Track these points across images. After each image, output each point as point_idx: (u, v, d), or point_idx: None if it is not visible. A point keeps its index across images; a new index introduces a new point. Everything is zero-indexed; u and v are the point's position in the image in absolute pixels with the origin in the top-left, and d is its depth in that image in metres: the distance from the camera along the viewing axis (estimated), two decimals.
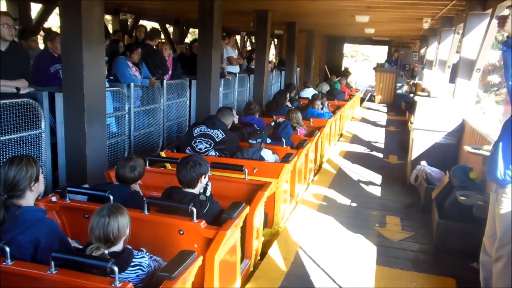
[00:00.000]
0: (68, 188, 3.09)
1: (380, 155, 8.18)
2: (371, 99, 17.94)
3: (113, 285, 1.98)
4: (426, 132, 5.99)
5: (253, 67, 10.15)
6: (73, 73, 4.11)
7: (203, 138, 4.62)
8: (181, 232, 2.81)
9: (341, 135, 9.72)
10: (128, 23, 12.16)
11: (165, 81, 6.29)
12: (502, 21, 2.81)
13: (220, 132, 4.64)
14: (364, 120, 12.42)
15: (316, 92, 9.72)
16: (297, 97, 9.98)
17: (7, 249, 2.10)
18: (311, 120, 7.13)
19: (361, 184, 6.25)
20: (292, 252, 3.98)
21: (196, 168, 3.03)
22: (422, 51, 15.87)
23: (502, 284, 2.94)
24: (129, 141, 5.51)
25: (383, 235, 4.48)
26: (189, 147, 4.62)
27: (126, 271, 2.29)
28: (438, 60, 10.54)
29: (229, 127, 4.91)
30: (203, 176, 3.09)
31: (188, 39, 16.80)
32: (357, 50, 41.03)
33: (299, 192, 5.38)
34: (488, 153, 3.73)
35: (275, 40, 20.17)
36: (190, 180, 3.04)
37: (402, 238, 4.45)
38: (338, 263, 3.83)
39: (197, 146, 4.61)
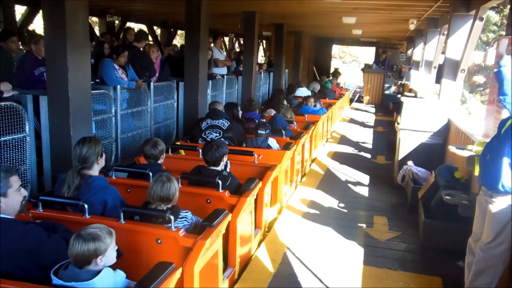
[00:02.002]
0: (114, 167, 3.75)
1: (368, 156, 8.23)
2: (360, 100, 18.05)
3: (170, 230, 2.65)
4: (412, 132, 6.04)
5: (241, 69, 10.14)
6: (58, 76, 4.07)
7: (211, 129, 5.32)
8: (209, 201, 3.48)
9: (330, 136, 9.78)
10: (115, 25, 12.08)
11: (152, 83, 6.26)
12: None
13: (225, 121, 5.37)
14: (352, 120, 12.49)
15: (309, 91, 10.34)
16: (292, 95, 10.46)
17: (86, 206, 2.75)
18: (306, 116, 7.64)
19: (349, 185, 6.29)
20: (279, 253, 3.98)
21: (219, 150, 3.72)
22: (409, 52, 16.00)
23: (485, 280, 2.99)
24: (116, 144, 5.47)
25: (371, 235, 4.51)
26: (200, 138, 5.28)
27: (176, 221, 2.82)
28: (424, 61, 10.64)
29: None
30: (225, 156, 3.79)
31: (176, 41, 16.77)
32: (345, 51, 41.31)
33: (297, 179, 6.03)
34: (471, 152, 3.78)
35: (264, 41, 20.21)
36: (215, 159, 3.73)
37: (389, 238, 4.48)
38: (326, 263, 3.85)
39: (207, 136, 5.26)
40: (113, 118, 5.38)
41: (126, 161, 5.53)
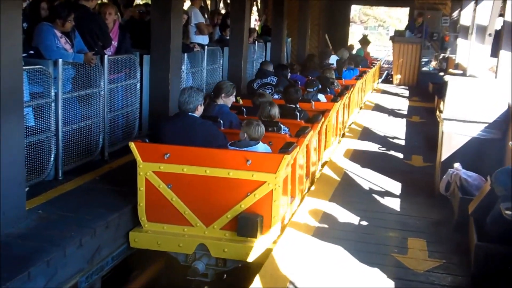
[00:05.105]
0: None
1: (400, 156, 8.28)
2: (388, 80, 18.09)
3: (280, 133, 5.76)
4: (460, 123, 6.04)
5: (228, 37, 10.12)
6: None
7: (263, 87, 8.12)
8: (288, 128, 6.19)
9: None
10: None
11: (106, 57, 6.22)
12: None
13: (273, 77, 8.50)
14: (378, 107, 12.54)
15: (338, 58, 12.84)
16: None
17: (221, 122, 5.72)
18: (343, 80, 11.04)
19: (374, 195, 6.31)
20: None
21: (298, 93, 7.02)
22: (455, 14, 16.06)
23: None
24: (56, 140, 5.41)
25: (404, 265, 4.51)
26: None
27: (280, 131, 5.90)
28: (475, 26, 10.64)
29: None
30: (300, 97, 7.18)
31: (140, 0, 16.68)
32: (368, 14, 41.45)
33: (341, 128, 9.23)
34: None
35: (258, 1, 20.20)
36: (295, 99, 6.91)
37: (430, 268, 4.48)
38: None
39: None
40: (53, 104, 5.33)
41: (75, 162, 5.72)
